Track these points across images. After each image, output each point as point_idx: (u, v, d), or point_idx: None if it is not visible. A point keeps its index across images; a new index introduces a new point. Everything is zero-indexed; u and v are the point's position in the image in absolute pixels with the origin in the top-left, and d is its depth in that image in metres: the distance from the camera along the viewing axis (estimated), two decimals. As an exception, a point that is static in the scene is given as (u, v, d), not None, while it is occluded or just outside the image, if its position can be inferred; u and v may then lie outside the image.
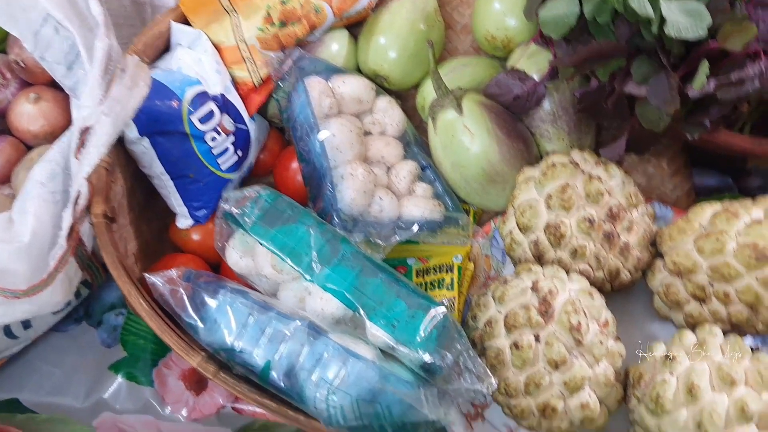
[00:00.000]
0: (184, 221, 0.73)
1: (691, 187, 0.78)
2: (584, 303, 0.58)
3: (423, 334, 0.56)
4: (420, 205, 0.72)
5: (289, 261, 0.57)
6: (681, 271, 0.61)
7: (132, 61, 0.58)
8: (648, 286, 0.66)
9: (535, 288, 0.59)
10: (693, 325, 0.62)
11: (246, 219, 0.57)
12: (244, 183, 0.79)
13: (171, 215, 0.74)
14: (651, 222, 0.67)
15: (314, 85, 0.72)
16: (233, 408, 0.72)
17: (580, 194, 0.63)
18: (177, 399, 0.73)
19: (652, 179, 0.79)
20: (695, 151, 0.80)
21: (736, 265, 0.58)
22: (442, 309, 0.57)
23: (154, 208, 0.75)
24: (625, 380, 0.60)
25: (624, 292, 0.70)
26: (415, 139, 0.77)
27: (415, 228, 0.68)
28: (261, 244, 0.58)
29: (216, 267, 0.74)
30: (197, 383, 0.74)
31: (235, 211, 0.57)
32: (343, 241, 0.59)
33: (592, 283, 0.64)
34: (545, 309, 0.57)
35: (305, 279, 0.57)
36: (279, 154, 0.80)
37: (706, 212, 0.62)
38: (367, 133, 0.77)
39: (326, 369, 0.53)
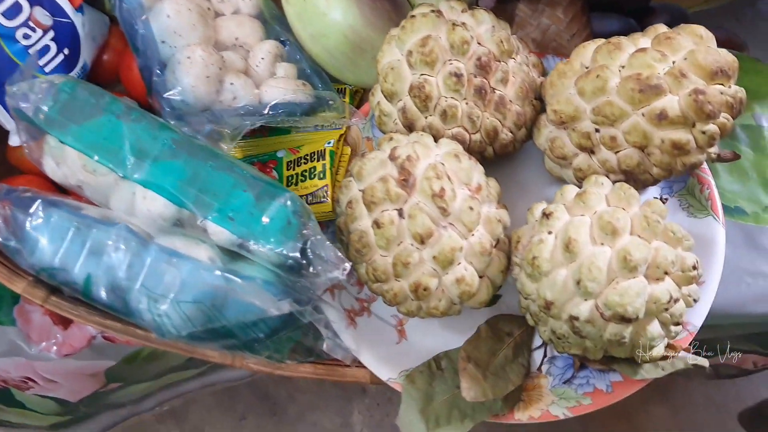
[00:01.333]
0: (15, 138, 0.64)
1: (590, 34, 0.69)
2: (449, 167, 0.51)
3: (267, 225, 0.48)
4: (280, 87, 0.63)
5: (97, 158, 0.48)
6: (564, 121, 0.54)
7: None
8: (536, 144, 0.58)
9: (392, 157, 0.51)
10: (583, 179, 0.55)
11: (41, 115, 0.49)
12: (85, 89, 0.69)
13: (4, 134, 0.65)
14: (536, 73, 0.59)
15: (140, -40, 0.62)
16: (104, 337, 0.65)
17: (443, 46, 0.54)
18: (44, 335, 0.66)
19: (547, 31, 0.70)
20: (593, -5, 0.71)
21: (619, 102, 0.51)
22: (288, 195, 0.50)
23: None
24: (509, 248, 0.54)
25: (515, 157, 0.63)
26: (276, 16, 0.68)
27: (268, 110, 0.59)
28: (63, 143, 0.49)
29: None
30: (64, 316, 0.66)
31: (24, 106, 0.48)
32: (163, 128, 0.51)
33: (470, 148, 0.57)
34: (405, 178, 0.50)
35: (122, 177, 0.49)
36: (124, 53, 0.70)
37: (588, 49, 0.54)
38: (219, 15, 0.67)
39: (151, 277, 0.46)
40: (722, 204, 0.62)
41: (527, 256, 0.49)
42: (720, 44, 0.68)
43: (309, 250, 0.48)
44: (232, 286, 0.45)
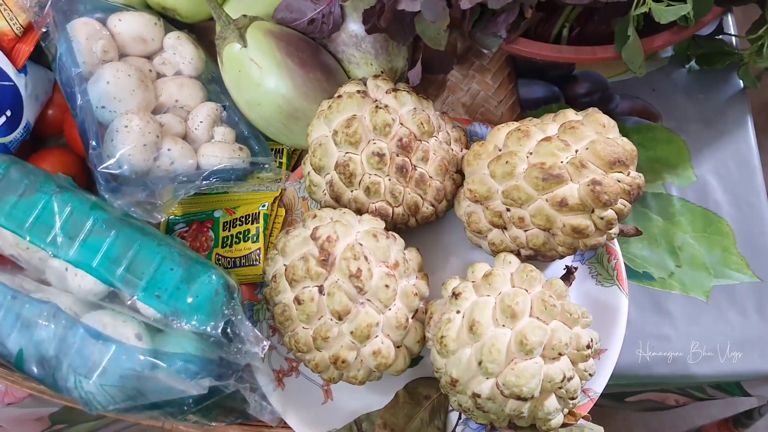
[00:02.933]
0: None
1: (516, 101, 0.73)
2: (367, 246, 0.54)
3: (191, 303, 0.51)
4: (217, 152, 0.65)
5: (29, 238, 0.51)
6: (478, 199, 0.57)
7: None
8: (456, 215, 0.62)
9: (314, 236, 0.54)
10: (497, 252, 0.59)
11: (-26, 196, 0.51)
12: (27, 145, 0.71)
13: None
14: (459, 147, 0.63)
15: (80, 28, 0.64)
16: (42, 390, 0.67)
17: (367, 127, 0.58)
18: (-14, 386, 0.68)
19: (476, 97, 0.74)
20: (521, 64, 0.75)
21: (526, 187, 0.54)
22: (213, 273, 0.53)
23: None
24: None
25: (441, 222, 0.66)
26: (217, 78, 0.70)
27: (201, 180, 0.62)
28: (-5, 223, 0.51)
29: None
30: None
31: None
32: (95, 207, 0.53)
33: (394, 219, 0.60)
34: (324, 258, 0.53)
35: (52, 256, 0.51)
36: (68, 109, 0.72)
37: (501, 132, 0.58)
38: (161, 76, 0.69)
39: (77, 357, 0.49)
40: (631, 269, 0.67)
41: (437, 334, 0.52)
42: (636, 113, 0.73)
43: (230, 330, 0.51)
44: (154, 372, 0.48)
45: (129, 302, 0.51)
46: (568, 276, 0.59)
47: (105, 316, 0.51)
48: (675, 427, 1.22)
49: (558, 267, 0.64)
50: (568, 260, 0.64)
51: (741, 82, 0.72)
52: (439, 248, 0.66)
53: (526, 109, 0.74)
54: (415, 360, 0.61)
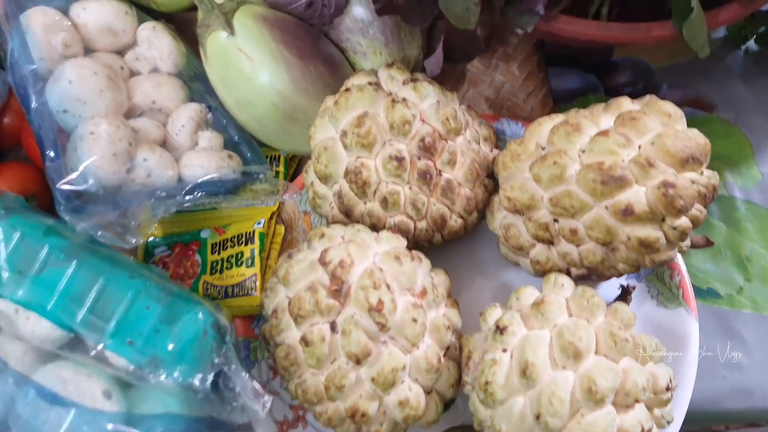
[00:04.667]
0: None
1: (548, 93, 0.64)
2: (389, 271, 0.44)
3: (173, 350, 0.41)
4: (203, 161, 0.55)
5: (-35, 276, 0.40)
6: (518, 209, 0.47)
7: None
8: (489, 228, 0.52)
9: (323, 261, 0.44)
10: (542, 272, 0.49)
11: None
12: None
13: None
14: (488, 147, 0.53)
15: (35, 18, 0.54)
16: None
17: (382, 125, 0.48)
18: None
19: (501, 89, 0.64)
20: (551, 50, 0.65)
21: (579, 193, 0.44)
22: (200, 310, 0.43)
23: None
24: (460, 356, 0.47)
25: (474, 236, 0.56)
26: (200, 75, 0.60)
27: (183, 195, 0.52)
28: (-77, 258, 0.41)
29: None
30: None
31: None
32: (50, 233, 0.43)
33: (416, 236, 0.50)
34: (337, 288, 0.43)
35: (-2, 296, 0.41)
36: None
37: (544, 128, 0.48)
38: (134, 74, 0.59)
39: (27, 426, 0.38)
40: (693, 286, 0.57)
41: (480, 380, 0.42)
42: (687, 104, 0.63)
43: (221, 382, 0.41)
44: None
45: (95, 351, 0.40)
46: (624, 298, 0.49)
47: (65, 369, 0.41)
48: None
49: (607, 288, 0.54)
50: (621, 278, 0.54)
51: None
52: (467, 267, 0.56)
53: (559, 102, 0.64)
54: (446, 404, 0.51)
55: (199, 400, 0.42)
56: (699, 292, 0.57)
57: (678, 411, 0.48)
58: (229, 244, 0.56)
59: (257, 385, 0.41)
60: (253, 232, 0.55)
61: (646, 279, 0.54)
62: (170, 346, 0.41)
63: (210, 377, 0.40)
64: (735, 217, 0.59)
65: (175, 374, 0.40)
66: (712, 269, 0.57)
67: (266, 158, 0.61)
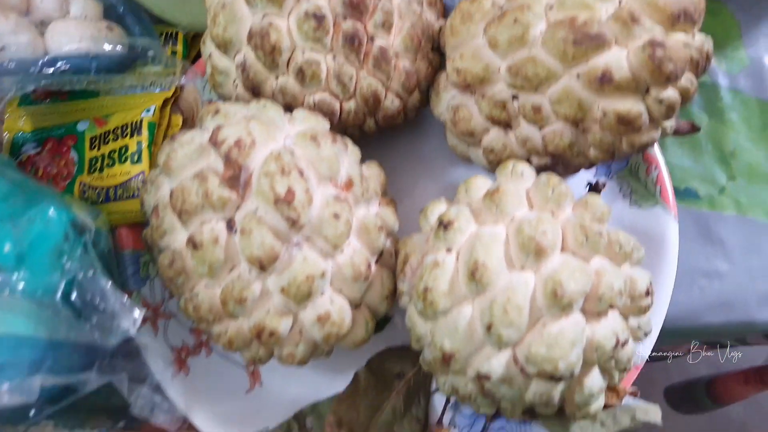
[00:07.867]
0: None
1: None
2: (303, 156, 0.34)
3: (13, 252, 0.31)
4: (71, 30, 0.43)
5: None
6: (470, 83, 0.38)
7: None
8: (433, 113, 0.43)
9: (215, 141, 0.34)
10: (498, 164, 0.40)
11: None
12: None
13: None
14: (434, 14, 0.43)
15: None
16: None
17: (296, -29, 0.37)
18: None
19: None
20: None
21: (545, 59, 0.35)
22: (52, 204, 0.32)
23: None
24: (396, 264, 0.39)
25: (410, 127, 0.47)
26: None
27: (41, 67, 0.40)
28: None
29: None
30: None
31: None
32: None
33: (342, 120, 0.40)
34: (233, 174, 0.33)
35: None
36: None
37: (502, -20, 0.38)
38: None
39: None
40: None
41: (418, 287, 0.33)
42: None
43: (77, 295, 0.31)
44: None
45: None
46: (593, 196, 0.41)
47: None
48: (667, 374, 1.10)
49: (572, 186, 0.46)
50: (587, 175, 0.46)
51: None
52: (407, 164, 0.47)
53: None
54: (381, 323, 0.43)
55: (55, 320, 0.32)
56: (676, 193, 0.49)
57: (653, 326, 0.41)
58: (111, 136, 0.45)
59: (124, 297, 0.32)
60: (141, 121, 0.44)
61: (618, 175, 0.46)
62: (7, 247, 0.30)
63: (61, 286, 0.30)
64: (718, 106, 0.51)
65: (20, 284, 0.30)
66: (690, 166, 0.49)
67: (161, 35, 0.49)
